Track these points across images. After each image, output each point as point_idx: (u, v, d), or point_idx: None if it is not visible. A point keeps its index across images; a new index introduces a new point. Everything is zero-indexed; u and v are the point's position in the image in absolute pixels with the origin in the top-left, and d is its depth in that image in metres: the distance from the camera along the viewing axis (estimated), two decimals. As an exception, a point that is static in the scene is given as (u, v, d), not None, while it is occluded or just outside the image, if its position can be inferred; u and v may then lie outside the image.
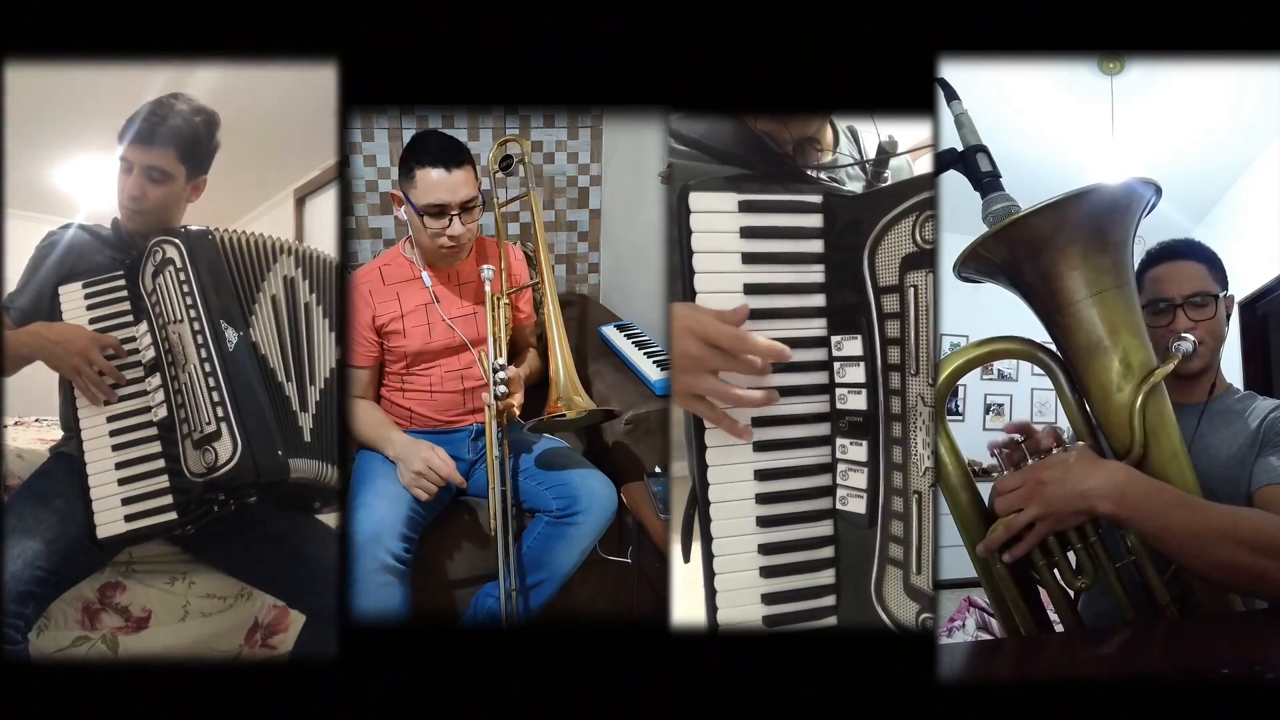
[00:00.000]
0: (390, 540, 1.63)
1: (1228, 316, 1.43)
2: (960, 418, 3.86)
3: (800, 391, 1.08)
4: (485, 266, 1.80)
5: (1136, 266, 1.23)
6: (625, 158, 2.63)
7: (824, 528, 1.10)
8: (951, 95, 1.21)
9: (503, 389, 1.72)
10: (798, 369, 1.08)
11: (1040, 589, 1.20)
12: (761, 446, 1.09)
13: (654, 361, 2.09)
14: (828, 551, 1.11)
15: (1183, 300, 1.38)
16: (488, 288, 1.78)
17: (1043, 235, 1.10)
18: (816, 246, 1.08)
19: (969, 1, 1.37)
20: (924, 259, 1.00)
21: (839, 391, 1.08)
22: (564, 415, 1.71)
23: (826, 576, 1.11)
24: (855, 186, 1.23)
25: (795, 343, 1.07)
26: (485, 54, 1.39)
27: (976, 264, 1.15)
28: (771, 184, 1.09)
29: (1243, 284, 2.58)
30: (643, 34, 1.38)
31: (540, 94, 1.42)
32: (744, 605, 1.10)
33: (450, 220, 1.75)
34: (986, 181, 1.16)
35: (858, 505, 1.07)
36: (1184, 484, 1.14)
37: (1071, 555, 1.16)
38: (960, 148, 1.18)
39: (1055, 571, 1.16)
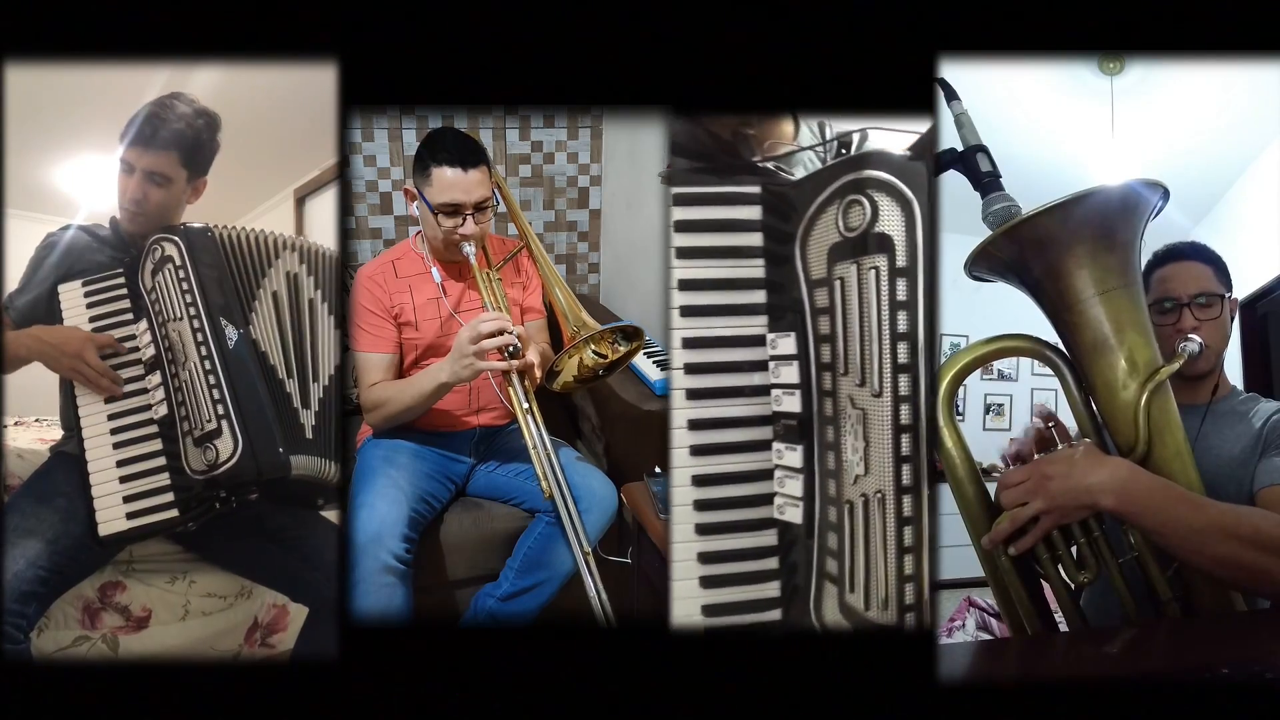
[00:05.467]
0: (392, 541, 1.63)
1: (1231, 318, 1.44)
2: (960, 417, 3.85)
3: (739, 393, 1.04)
4: (465, 243, 1.76)
5: (1143, 268, 1.24)
6: (625, 158, 2.64)
7: (768, 537, 1.06)
8: (951, 95, 1.21)
9: (515, 342, 1.67)
10: (736, 369, 1.04)
11: (1044, 583, 1.20)
12: (699, 451, 1.05)
13: (654, 361, 2.09)
14: (771, 563, 1.06)
15: (1188, 300, 1.39)
16: (473, 261, 1.77)
17: (1051, 234, 1.10)
18: (756, 239, 1.04)
19: (969, 1, 1.38)
20: (850, 249, 0.94)
21: (774, 392, 1.04)
22: (584, 341, 1.70)
23: (771, 589, 1.07)
24: None
25: (733, 341, 1.04)
26: (485, 54, 1.39)
27: (987, 262, 1.16)
28: (713, 176, 1.06)
29: (1243, 284, 2.58)
30: (643, 34, 1.38)
31: (540, 94, 1.42)
32: (688, 616, 1.07)
33: (464, 219, 1.75)
34: (986, 181, 1.16)
35: (794, 514, 1.03)
36: (1187, 482, 1.15)
37: (1075, 550, 1.16)
38: (960, 148, 1.18)
39: (1059, 566, 1.17)
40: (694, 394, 1.04)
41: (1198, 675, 1.03)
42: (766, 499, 1.06)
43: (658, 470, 1.74)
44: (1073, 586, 1.18)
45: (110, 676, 1.45)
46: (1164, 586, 1.16)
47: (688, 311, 1.03)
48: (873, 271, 0.93)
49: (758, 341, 1.04)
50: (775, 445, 1.04)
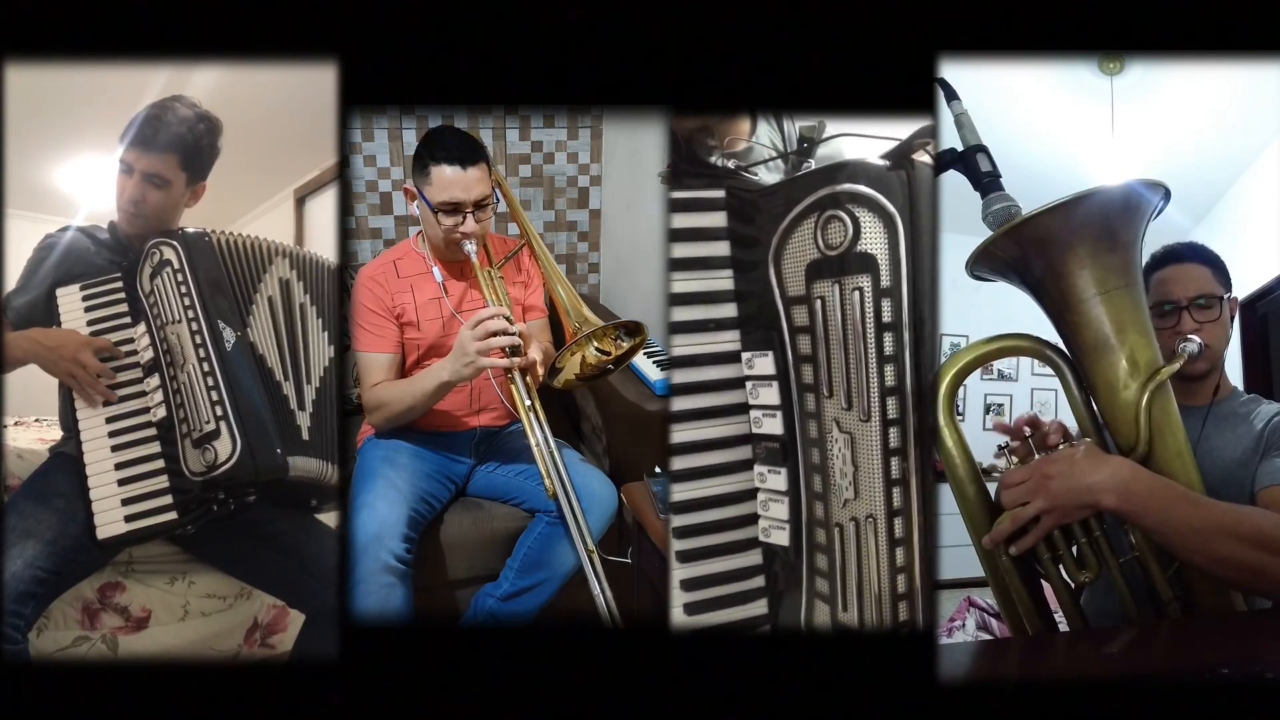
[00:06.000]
0: (393, 541, 1.63)
1: (1231, 319, 1.43)
2: (960, 417, 3.85)
3: (712, 414, 1.00)
4: (466, 242, 1.75)
5: (1141, 269, 1.24)
6: (625, 158, 2.63)
7: (753, 557, 1.03)
8: (951, 95, 1.21)
9: (517, 340, 1.66)
10: (709, 389, 1.00)
11: (1044, 583, 1.20)
12: (676, 477, 1.02)
13: (654, 361, 2.09)
14: (758, 582, 1.04)
15: (1188, 302, 1.38)
16: (474, 259, 1.77)
17: (1053, 234, 1.10)
18: (723, 249, 1.00)
19: (969, 1, 1.37)
20: (829, 267, 0.89)
21: (753, 414, 0.99)
22: (585, 338, 1.69)
23: (759, 607, 1.04)
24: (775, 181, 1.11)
25: (705, 359, 1.00)
26: (485, 54, 1.39)
27: (989, 262, 1.16)
28: (682, 180, 1.01)
29: (1243, 284, 2.58)
30: (643, 34, 1.38)
31: (540, 94, 1.42)
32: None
33: (464, 217, 1.75)
34: (986, 181, 1.16)
35: (781, 537, 0.99)
36: (1188, 482, 1.15)
37: (1075, 549, 1.16)
38: (960, 148, 1.18)
39: (1059, 565, 1.17)
40: (668, 418, 1.01)
41: (1198, 675, 1.03)
42: (750, 519, 1.02)
43: (658, 470, 1.74)
44: (1073, 586, 1.18)
45: (110, 677, 1.45)
46: (1165, 586, 1.16)
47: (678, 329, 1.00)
48: (856, 293, 0.89)
49: (732, 359, 1.00)
50: (757, 468, 1.00)
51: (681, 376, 1.00)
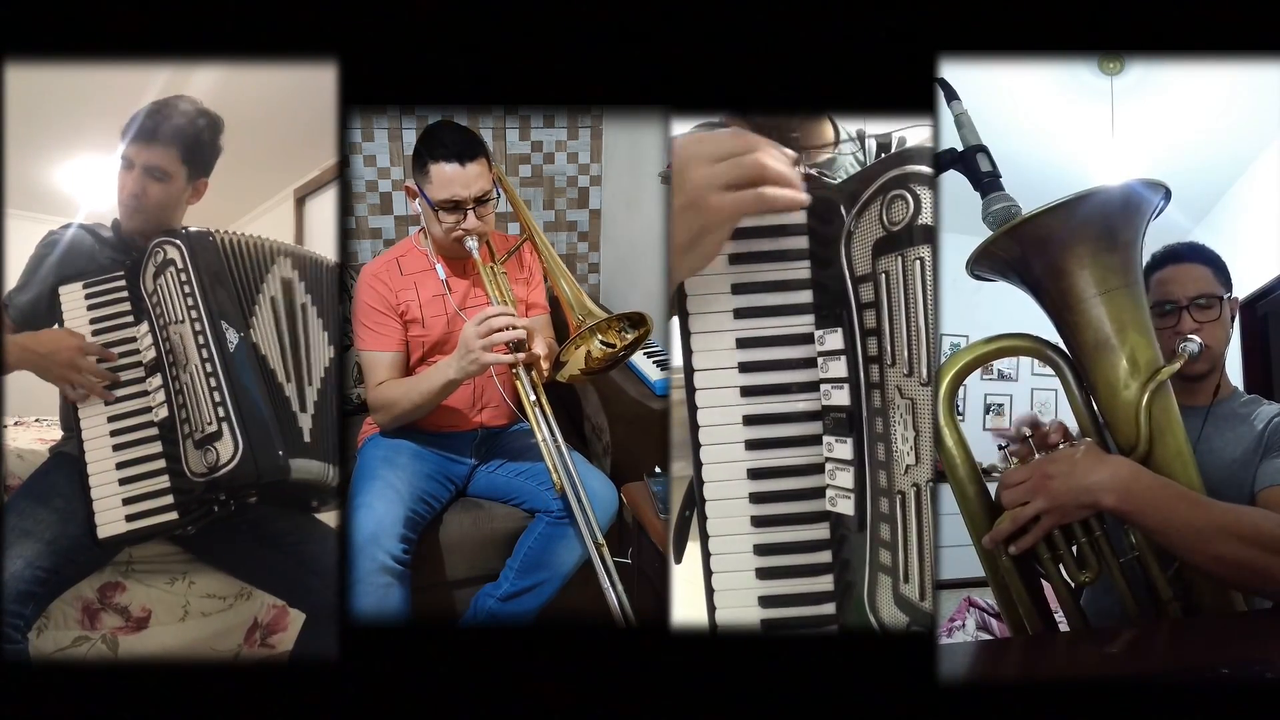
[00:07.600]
0: (389, 541, 1.63)
1: (1232, 319, 1.44)
2: (960, 417, 3.85)
3: (790, 389, 1.07)
4: (468, 238, 1.76)
5: (1142, 269, 1.24)
6: (625, 158, 2.64)
7: (820, 531, 1.08)
8: (951, 95, 1.21)
9: (521, 335, 1.66)
10: (786, 366, 1.07)
11: (1044, 583, 1.20)
12: (754, 445, 1.08)
13: (654, 362, 2.09)
14: (825, 556, 1.08)
15: (1188, 302, 1.39)
16: (476, 255, 1.77)
17: (1053, 234, 1.10)
18: (802, 243, 1.07)
19: (969, 1, 1.38)
20: (894, 242, 0.96)
21: (823, 387, 1.06)
22: (589, 331, 1.69)
23: (824, 582, 1.08)
24: None
25: (783, 340, 1.07)
26: (485, 54, 1.39)
27: (989, 262, 1.16)
28: None
29: (1243, 284, 2.58)
30: (643, 34, 1.38)
31: (540, 94, 1.42)
32: (742, 607, 1.08)
33: (465, 214, 1.75)
34: (987, 181, 1.16)
35: (846, 506, 1.04)
36: (1188, 482, 1.15)
37: (1076, 549, 1.16)
38: (960, 148, 1.18)
39: (1060, 565, 1.17)
40: (748, 391, 1.07)
41: (1198, 675, 1.03)
42: (819, 492, 1.08)
43: (658, 470, 1.74)
44: (1073, 586, 1.18)
45: (110, 677, 1.46)
46: (1165, 586, 1.16)
47: (741, 314, 1.07)
48: (918, 262, 0.95)
49: (807, 339, 1.07)
50: (825, 439, 1.06)
51: (763, 355, 1.08)
